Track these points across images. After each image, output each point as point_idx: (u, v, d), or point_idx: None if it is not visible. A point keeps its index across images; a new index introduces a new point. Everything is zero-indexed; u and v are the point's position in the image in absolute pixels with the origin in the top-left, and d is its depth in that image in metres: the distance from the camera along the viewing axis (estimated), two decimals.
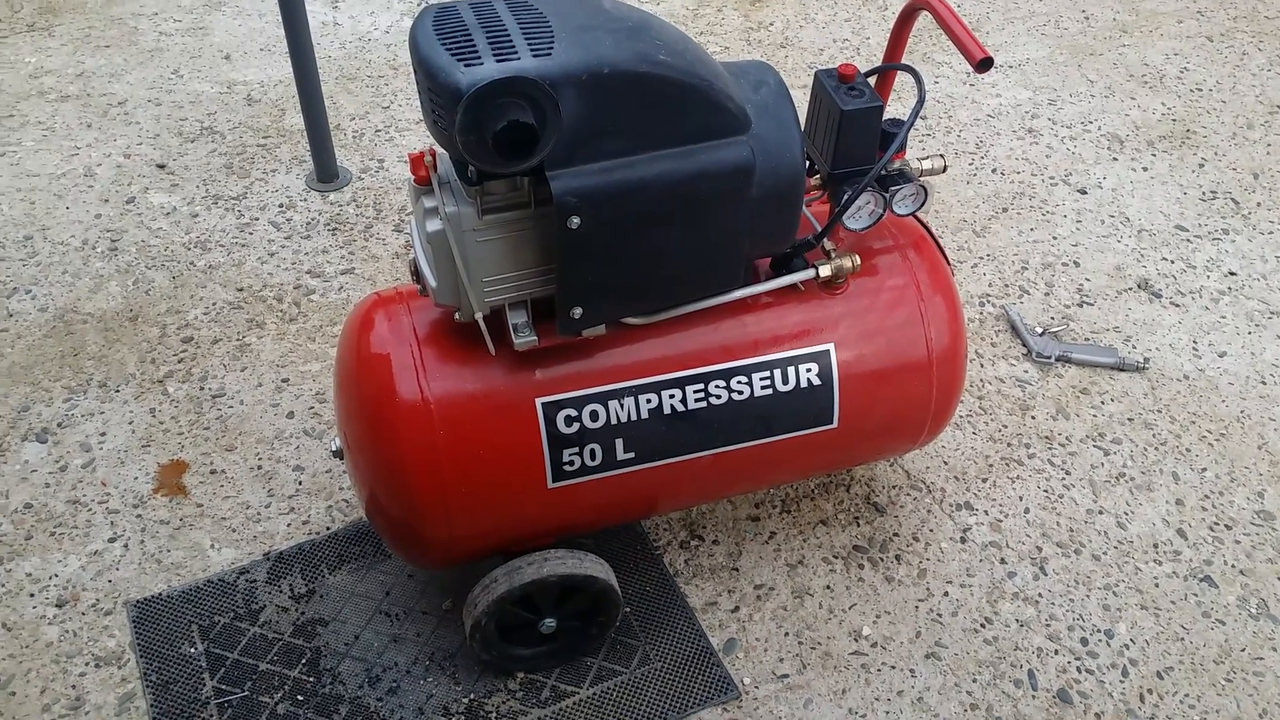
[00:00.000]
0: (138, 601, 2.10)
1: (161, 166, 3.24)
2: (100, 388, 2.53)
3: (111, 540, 2.22)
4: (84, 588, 2.13)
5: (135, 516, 2.27)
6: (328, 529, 2.24)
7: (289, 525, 2.25)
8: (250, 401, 2.51)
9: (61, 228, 2.99)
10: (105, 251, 2.92)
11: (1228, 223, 3.13)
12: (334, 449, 1.90)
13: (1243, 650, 2.08)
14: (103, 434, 2.43)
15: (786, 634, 2.09)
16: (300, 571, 2.15)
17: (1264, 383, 2.63)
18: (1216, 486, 2.38)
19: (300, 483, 2.33)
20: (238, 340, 2.66)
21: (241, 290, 2.81)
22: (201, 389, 2.54)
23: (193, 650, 2.02)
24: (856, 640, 2.08)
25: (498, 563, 1.86)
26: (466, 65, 1.44)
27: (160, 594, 2.11)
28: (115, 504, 2.29)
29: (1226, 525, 2.31)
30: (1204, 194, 3.24)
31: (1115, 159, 3.38)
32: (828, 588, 2.17)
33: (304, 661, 2.00)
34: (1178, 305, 2.85)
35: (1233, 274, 2.95)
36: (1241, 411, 2.56)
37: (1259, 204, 3.20)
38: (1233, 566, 2.23)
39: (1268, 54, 3.90)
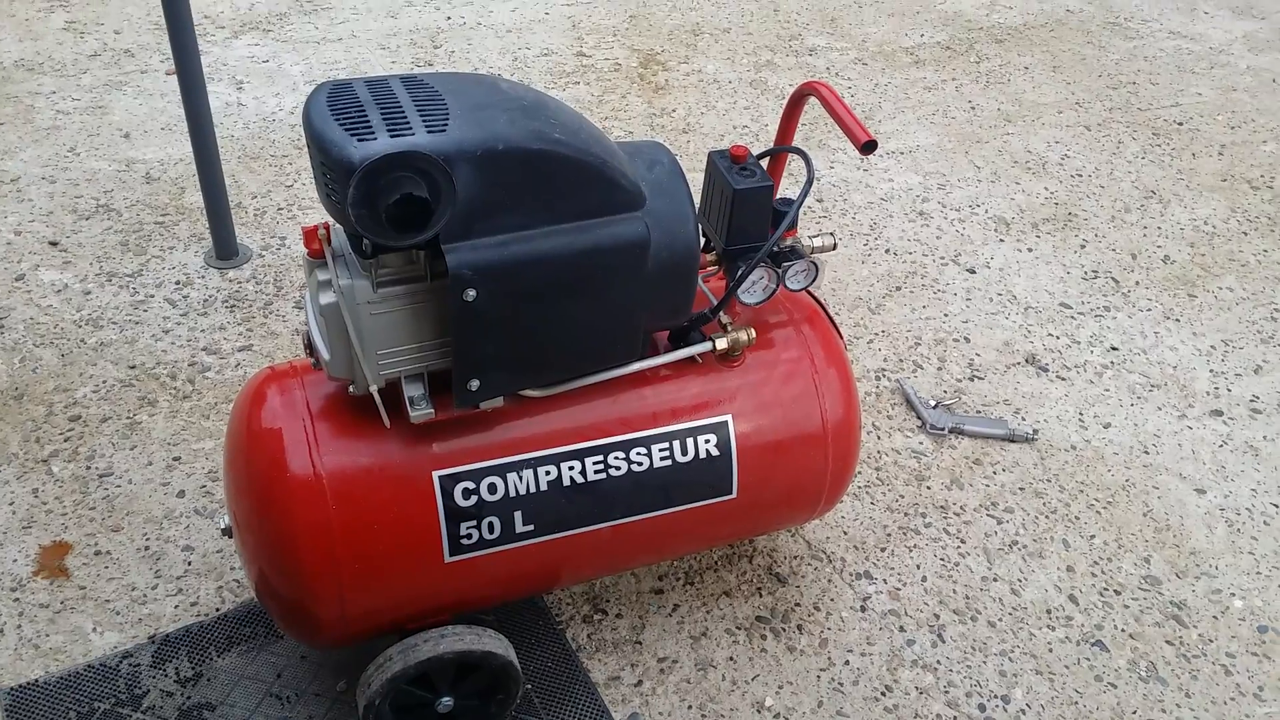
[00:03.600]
0: (11, 689, 2.00)
1: (54, 244, 3.17)
2: None
3: None
4: None
5: (13, 600, 2.17)
6: (217, 610, 2.17)
7: (176, 607, 2.18)
8: (139, 481, 2.44)
9: None
10: None
11: (1109, 300, 3.28)
12: (223, 527, 1.86)
13: (1134, 713, 2.13)
14: None
15: (690, 707, 2.07)
16: (187, 654, 2.08)
17: (1146, 452, 2.73)
18: (1105, 553, 2.46)
19: (190, 563, 2.26)
20: (128, 418, 2.59)
21: (134, 368, 2.74)
22: (88, 468, 2.46)
23: None
24: (759, 711, 2.08)
25: (393, 641, 1.82)
26: (360, 140, 1.45)
27: (36, 680, 2.01)
28: None
29: (1115, 590, 2.37)
30: (1086, 273, 3.39)
31: (1002, 240, 3.52)
32: (731, 659, 2.17)
33: None
34: (1064, 379, 2.96)
35: (1115, 349, 3.08)
36: (1127, 480, 2.65)
37: (1137, 282, 3.36)
38: (1123, 631, 2.29)
39: (1141, 143, 4.13)
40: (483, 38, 4.59)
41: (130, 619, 2.15)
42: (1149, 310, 3.25)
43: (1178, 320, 3.21)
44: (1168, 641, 2.27)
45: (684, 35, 4.73)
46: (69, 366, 2.74)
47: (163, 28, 4.33)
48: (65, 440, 2.53)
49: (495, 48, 4.52)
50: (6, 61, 4.12)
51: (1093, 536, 2.49)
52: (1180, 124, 4.29)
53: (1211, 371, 3.01)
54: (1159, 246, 3.54)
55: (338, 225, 1.61)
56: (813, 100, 1.99)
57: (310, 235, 1.60)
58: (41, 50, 4.22)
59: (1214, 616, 2.33)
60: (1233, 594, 2.38)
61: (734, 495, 1.94)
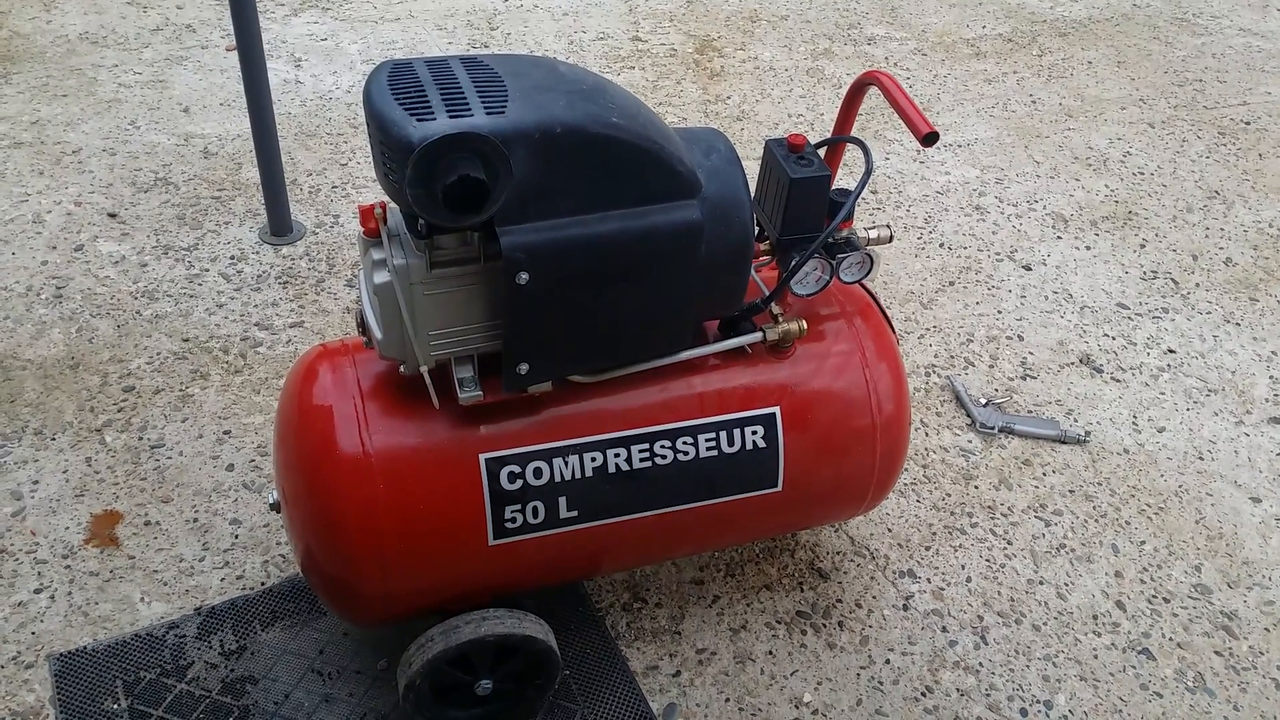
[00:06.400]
0: (61, 655, 2.04)
1: (113, 215, 3.22)
2: (36, 435, 2.48)
3: (37, 591, 2.16)
4: (5, 639, 2.06)
5: (64, 567, 2.21)
6: (262, 584, 2.20)
7: (223, 580, 2.20)
8: (190, 453, 2.47)
9: (6, 273, 2.95)
10: (50, 299, 2.88)
11: (1167, 302, 3.21)
12: (271, 502, 1.87)
13: None
14: (35, 482, 2.37)
15: (727, 700, 2.06)
16: (232, 627, 2.10)
17: (1201, 458, 2.67)
18: (1155, 560, 2.41)
19: (237, 536, 2.29)
20: (180, 391, 2.63)
21: (187, 341, 2.78)
22: (140, 439, 2.49)
23: (115, 706, 1.95)
24: (797, 707, 2.06)
25: (435, 621, 1.82)
26: (419, 120, 1.45)
27: (85, 647, 2.05)
28: (44, 554, 2.23)
29: (1164, 598, 2.33)
30: (1144, 273, 3.32)
31: (1059, 237, 3.46)
32: (770, 653, 2.15)
33: None
34: (1118, 381, 2.90)
35: (1172, 352, 3.02)
36: (1180, 486, 2.59)
37: (1197, 284, 3.29)
38: (1170, 639, 2.24)
39: (1206, 142, 4.04)
40: (539, 20, 4.58)
41: (177, 590, 2.18)
42: (1209, 313, 3.17)
43: (1238, 324, 3.13)
44: (1216, 652, 2.23)
45: (741, 21, 4.69)
46: (124, 338, 2.78)
47: (224, 4, 4.37)
48: (119, 410, 2.57)
49: (551, 30, 4.51)
50: (71, 34, 4.18)
51: (1143, 543, 2.45)
52: (1248, 123, 4.19)
53: (1271, 378, 2.94)
54: (1221, 248, 3.46)
55: (394, 205, 1.61)
56: (869, 90, 1.96)
57: (367, 214, 1.60)
58: (105, 24, 4.28)
59: (1265, 629, 2.28)
60: None
61: (779, 488, 1.92)
